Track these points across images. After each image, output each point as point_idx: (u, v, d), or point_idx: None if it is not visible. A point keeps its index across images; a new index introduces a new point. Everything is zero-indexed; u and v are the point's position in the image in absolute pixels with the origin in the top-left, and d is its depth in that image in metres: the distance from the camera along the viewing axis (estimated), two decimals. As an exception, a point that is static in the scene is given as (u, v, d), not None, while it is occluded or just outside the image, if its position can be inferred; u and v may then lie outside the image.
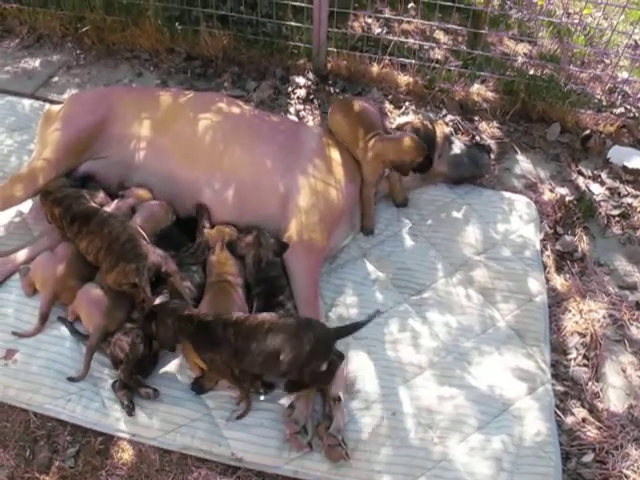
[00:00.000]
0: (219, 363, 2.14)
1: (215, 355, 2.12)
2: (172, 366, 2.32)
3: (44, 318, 2.37)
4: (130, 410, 2.17)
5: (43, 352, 2.33)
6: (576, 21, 3.97)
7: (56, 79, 3.51)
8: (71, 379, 2.24)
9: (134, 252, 2.29)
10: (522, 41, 3.94)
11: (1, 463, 2.11)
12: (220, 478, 2.11)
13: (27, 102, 3.33)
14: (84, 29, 3.68)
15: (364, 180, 2.77)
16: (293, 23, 3.57)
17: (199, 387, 2.25)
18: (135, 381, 2.21)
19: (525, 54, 3.84)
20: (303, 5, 3.46)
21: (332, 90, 3.52)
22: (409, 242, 2.81)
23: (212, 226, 2.57)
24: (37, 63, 3.59)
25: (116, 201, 2.60)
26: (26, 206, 2.74)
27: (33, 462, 2.12)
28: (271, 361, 2.06)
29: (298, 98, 3.46)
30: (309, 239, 2.50)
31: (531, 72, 3.58)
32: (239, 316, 2.16)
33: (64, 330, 2.38)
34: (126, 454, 2.15)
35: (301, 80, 3.55)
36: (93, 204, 2.51)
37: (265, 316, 2.15)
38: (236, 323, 2.12)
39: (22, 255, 2.57)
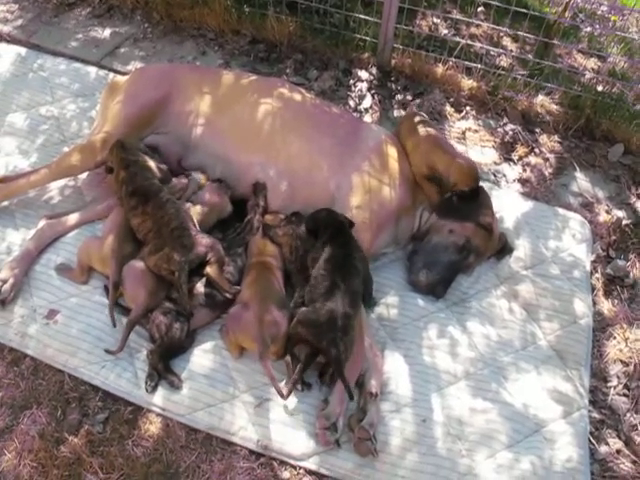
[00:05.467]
0: None
1: None
2: (208, 345, 2.32)
3: (116, 287, 2.34)
4: (150, 390, 2.19)
5: (84, 317, 2.37)
6: (651, 40, 3.85)
7: (122, 50, 3.55)
8: (107, 351, 2.26)
9: (181, 241, 2.30)
10: (592, 56, 3.82)
11: (34, 419, 2.16)
12: (243, 462, 2.11)
13: (92, 70, 3.38)
14: (154, 3, 3.72)
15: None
16: (361, 16, 3.53)
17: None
18: (163, 366, 2.22)
19: (594, 70, 3.73)
20: (373, -1, 3.42)
21: (394, 87, 3.47)
22: (457, 249, 2.76)
23: (267, 207, 2.57)
24: (105, 33, 3.64)
25: (174, 179, 2.60)
26: (82, 172, 2.77)
27: (63, 422, 2.16)
28: None
29: (359, 91, 3.42)
30: (355, 238, 2.46)
31: (599, 88, 3.47)
32: None
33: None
34: (153, 427, 2.17)
35: (364, 74, 3.51)
36: (156, 181, 2.49)
37: None
38: None
39: (73, 219, 2.62)
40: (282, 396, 2.12)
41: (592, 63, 3.83)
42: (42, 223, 2.58)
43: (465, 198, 2.62)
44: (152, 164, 2.55)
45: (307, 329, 2.14)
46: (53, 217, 2.62)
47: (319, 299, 2.19)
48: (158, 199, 2.42)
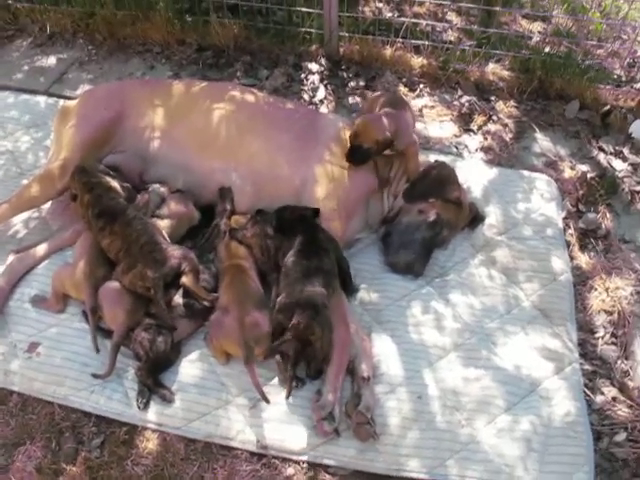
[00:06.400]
0: None
1: None
2: (194, 355, 2.30)
3: (94, 311, 2.31)
4: (142, 407, 2.17)
5: (66, 345, 2.33)
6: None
7: (69, 75, 3.52)
8: (95, 376, 2.22)
9: (152, 257, 2.27)
10: (536, 19, 3.87)
11: (29, 455, 2.12)
12: (246, 465, 2.09)
13: (42, 99, 3.34)
14: (95, 25, 3.69)
15: None
16: (304, 9, 3.53)
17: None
18: (153, 381, 2.21)
19: (540, 32, 3.77)
20: (313, -10, 3.43)
21: (345, 75, 3.48)
22: (429, 224, 2.76)
23: (234, 210, 2.56)
24: (50, 61, 3.60)
25: (138, 196, 2.58)
26: (44, 201, 2.73)
27: (59, 453, 2.13)
28: None
29: (312, 84, 3.43)
30: (326, 228, 2.46)
31: (547, 49, 3.52)
32: None
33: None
34: (151, 443, 2.14)
35: (314, 66, 3.52)
36: (121, 200, 2.47)
37: None
38: None
39: (41, 250, 2.58)
40: (267, 401, 2.10)
41: (537, 26, 3.88)
42: (11, 258, 2.54)
43: (424, 180, 2.64)
44: (115, 184, 2.52)
45: (284, 313, 2.15)
46: (21, 251, 2.58)
47: (292, 284, 2.20)
48: (125, 217, 2.39)
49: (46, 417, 2.21)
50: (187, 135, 2.66)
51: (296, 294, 2.16)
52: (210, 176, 2.61)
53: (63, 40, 3.73)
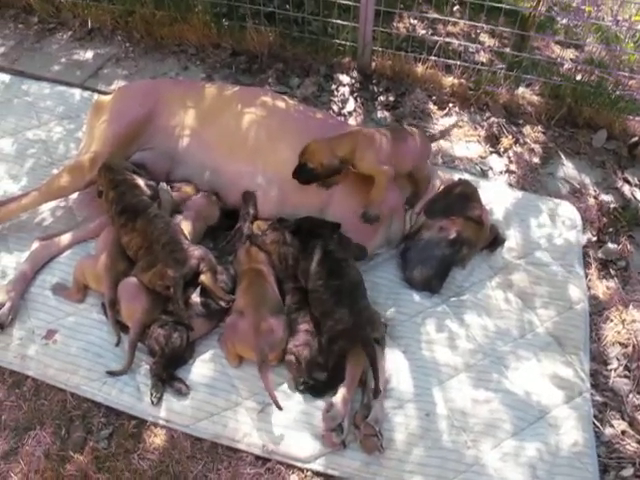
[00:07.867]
0: None
1: None
2: (207, 355, 2.33)
3: (112, 304, 2.35)
4: (156, 401, 2.19)
5: (82, 335, 2.37)
6: (625, 27, 3.88)
7: (105, 71, 3.58)
8: (112, 373, 2.26)
9: (173, 257, 2.30)
10: (569, 46, 3.87)
11: (38, 440, 2.16)
12: (250, 469, 2.11)
13: (77, 92, 3.40)
14: (134, 23, 3.76)
15: None
16: (339, 21, 3.57)
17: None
18: (168, 375, 2.23)
19: (572, 60, 3.77)
20: (350, 3, 3.46)
21: (376, 89, 3.51)
22: (449, 243, 2.77)
23: (256, 214, 2.59)
24: (87, 55, 3.68)
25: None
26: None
27: (68, 441, 2.16)
28: None
29: (342, 96, 3.46)
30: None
31: (578, 77, 3.51)
32: None
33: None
34: (158, 439, 2.17)
35: (345, 78, 3.55)
36: (145, 197, 2.51)
37: None
38: None
39: (66, 239, 2.63)
40: (279, 408, 2.11)
41: (570, 53, 3.87)
42: (35, 245, 2.59)
43: (447, 197, 2.65)
44: (140, 182, 2.56)
45: (344, 340, 2.18)
46: (46, 238, 2.62)
47: (334, 308, 2.23)
48: (146, 215, 2.43)
49: (58, 404, 2.24)
50: (217, 137, 2.69)
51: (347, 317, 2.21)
52: (237, 179, 2.64)
53: (102, 36, 3.80)
